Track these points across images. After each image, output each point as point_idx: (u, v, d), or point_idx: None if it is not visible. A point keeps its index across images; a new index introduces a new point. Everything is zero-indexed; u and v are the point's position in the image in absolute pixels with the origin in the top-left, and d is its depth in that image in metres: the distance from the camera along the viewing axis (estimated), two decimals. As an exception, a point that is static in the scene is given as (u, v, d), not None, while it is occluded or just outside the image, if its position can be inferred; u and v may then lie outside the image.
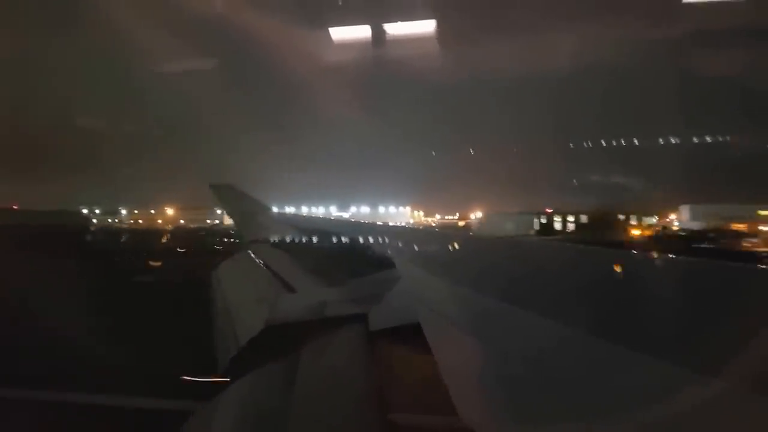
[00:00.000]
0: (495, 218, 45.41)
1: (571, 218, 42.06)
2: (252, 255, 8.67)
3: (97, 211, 65.62)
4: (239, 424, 3.38)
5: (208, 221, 62.88)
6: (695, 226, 41.66)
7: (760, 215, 41.37)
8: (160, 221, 62.68)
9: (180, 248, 42.30)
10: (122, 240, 48.21)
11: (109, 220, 64.90)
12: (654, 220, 42.31)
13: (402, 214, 52.82)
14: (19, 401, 6.78)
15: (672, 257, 3.53)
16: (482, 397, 1.92)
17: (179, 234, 54.83)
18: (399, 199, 54.55)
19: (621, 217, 40.88)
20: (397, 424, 2.72)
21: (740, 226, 39.04)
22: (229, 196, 12.63)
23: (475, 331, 2.56)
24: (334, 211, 43.00)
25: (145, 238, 48.97)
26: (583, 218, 41.63)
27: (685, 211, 43.19)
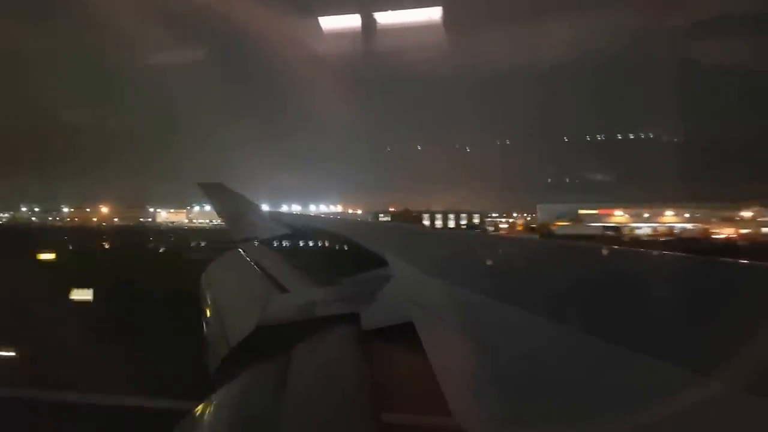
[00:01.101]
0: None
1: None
2: (242, 254, 8.60)
3: (36, 209, 64.10)
4: (230, 427, 3.37)
5: (141, 219, 63.45)
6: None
7: (580, 214, 49.28)
8: (95, 219, 61.91)
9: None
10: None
11: (49, 218, 63.61)
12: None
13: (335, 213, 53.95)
14: (20, 401, 6.77)
15: (669, 254, 3.55)
16: (477, 397, 1.90)
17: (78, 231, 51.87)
18: (332, 197, 55.61)
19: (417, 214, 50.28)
20: (391, 424, 2.72)
21: (558, 223, 46.48)
22: (218, 194, 12.52)
23: (469, 331, 2.56)
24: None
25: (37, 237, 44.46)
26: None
27: (539, 209, 51.39)
